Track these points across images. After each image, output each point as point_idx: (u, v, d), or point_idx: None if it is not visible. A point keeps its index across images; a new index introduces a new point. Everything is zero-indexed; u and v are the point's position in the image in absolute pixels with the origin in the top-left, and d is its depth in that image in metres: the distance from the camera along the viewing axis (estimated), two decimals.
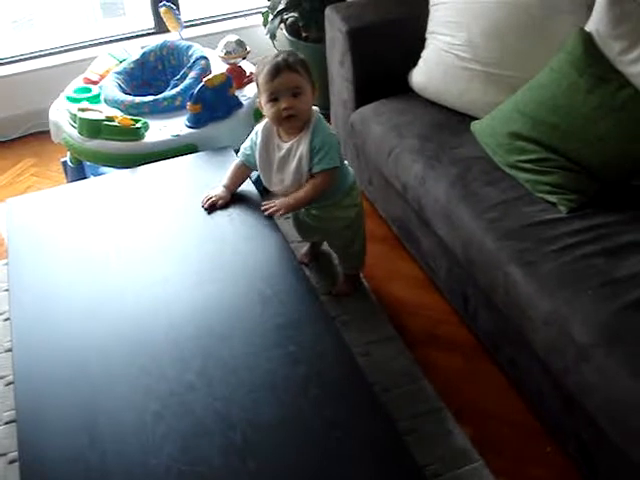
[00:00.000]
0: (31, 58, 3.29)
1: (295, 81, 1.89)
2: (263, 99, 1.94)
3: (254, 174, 2.18)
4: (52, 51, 3.30)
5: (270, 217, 1.98)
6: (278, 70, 1.87)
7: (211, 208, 2.03)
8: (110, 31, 3.42)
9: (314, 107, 1.98)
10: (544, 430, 1.93)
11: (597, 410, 1.60)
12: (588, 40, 1.99)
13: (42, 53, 3.31)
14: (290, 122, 1.94)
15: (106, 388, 1.54)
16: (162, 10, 2.75)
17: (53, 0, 3.64)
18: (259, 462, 1.38)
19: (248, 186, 2.13)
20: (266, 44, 3.14)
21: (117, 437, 1.44)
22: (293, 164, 1.97)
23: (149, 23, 3.46)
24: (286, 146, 1.98)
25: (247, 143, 2.09)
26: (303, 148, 1.94)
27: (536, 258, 1.80)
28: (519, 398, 2.02)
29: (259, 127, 2.05)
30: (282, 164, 2.01)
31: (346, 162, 2.14)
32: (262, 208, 1.99)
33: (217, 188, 2.07)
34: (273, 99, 1.90)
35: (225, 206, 2.04)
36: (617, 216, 1.89)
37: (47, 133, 2.88)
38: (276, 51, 3.19)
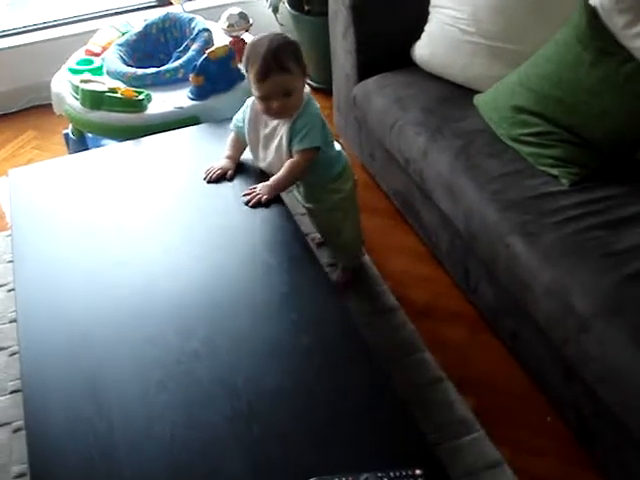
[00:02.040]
0: (31, 31, 3.28)
1: (285, 82, 1.83)
2: (253, 91, 1.89)
3: None
4: (53, 24, 3.29)
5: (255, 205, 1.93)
6: (268, 72, 1.80)
7: (217, 180, 2.01)
8: (109, 4, 3.39)
9: (306, 89, 1.94)
10: (545, 401, 1.95)
11: (596, 380, 1.62)
12: (592, 14, 1.98)
13: (42, 26, 3.30)
14: (280, 116, 1.91)
15: (110, 357, 1.55)
16: None
17: None
18: (264, 428, 1.39)
19: (249, 155, 2.11)
20: (268, 17, 3.13)
21: (122, 405, 1.45)
22: (275, 142, 1.95)
23: None
24: (272, 124, 1.95)
25: (239, 115, 2.06)
26: (285, 128, 1.91)
27: (537, 230, 1.81)
28: (520, 369, 2.03)
29: (250, 101, 2.02)
30: (267, 141, 1.98)
31: (338, 147, 2.10)
32: (243, 197, 1.94)
33: (220, 160, 2.06)
34: (264, 98, 1.86)
35: (232, 176, 2.03)
36: (619, 189, 1.90)
37: (48, 106, 2.88)
38: (279, 25, 3.20)
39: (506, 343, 2.08)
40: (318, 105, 1.99)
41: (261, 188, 1.94)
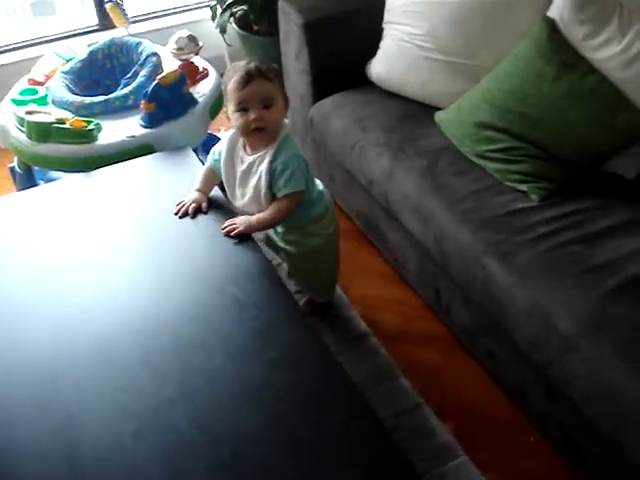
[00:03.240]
0: None
1: (267, 90, 1.77)
2: (231, 108, 1.80)
3: None
4: None
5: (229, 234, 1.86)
6: (250, 77, 1.75)
7: (192, 213, 1.92)
8: (42, 31, 3.27)
9: (285, 121, 1.87)
10: (527, 421, 1.92)
11: (584, 399, 1.59)
12: (552, 26, 1.98)
13: None
14: (259, 135, 1.81)
15: (80, 409, 1.45)
16: (108, 6, 2.64)
17: None
18: (248, 477, 1.31)
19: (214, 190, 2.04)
20: (216, 39, 3.06)
21: (97, 462, 1.35)
22: (253, 180, 1.85)
23: (84, 21, 3.33)
24: (249, 160, 1.86)
25: (217, 148, 1.97)
26: (264, 166, 1.82)
27: (512, 249, 1.78)
28: (499, 390, 2.00)
29: (226, 137, 1.93)
30: (244, 178, 1.89)
31: (321, 187, 2.01)
32: (222, 228, 1.87)
33: (191, 193, 1.96)
34: (242, 109, 1.78)
35: (207, 209, 1.95)
36: (590, 202, 1.89)
37: None
38: (226, 45, 3.13)
39: (483, 364, 2.04)
40: (297, 143, 1.92)
41: (241, 221, 1.87)
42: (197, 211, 1.94)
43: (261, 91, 1.76)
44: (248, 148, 1.88)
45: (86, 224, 1.94)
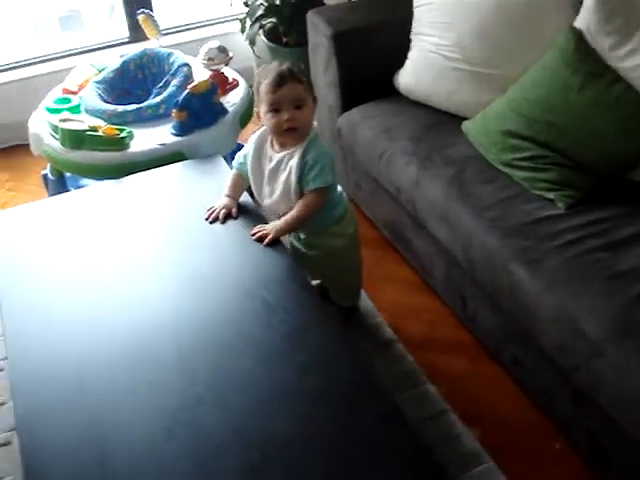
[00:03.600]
0: (4, 70, 3.21)
1: (299, 92, 1.84)
2: (263, 109, 1.86)
3: None
4: (27, 62, 3.23)
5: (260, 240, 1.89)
6: (283, 80, 1.81)
7: (222, 218, 1.96)
8: (74, 44, 3.35)
9: (314, 123, 1.93)
10: (553, 428, 1.92)
11: (611, 404, 1.60)
12: (579, 37, 2.00)
13: (16, 64, 3.23)
14: (291, 134, 1.87)
15: (112, 406, 1.49)
16: (141, 18, 2.70)
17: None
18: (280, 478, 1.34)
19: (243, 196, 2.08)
20: (245, 51, 3.11)
21: (127, 456, 1.39)
22: (283, 176, 1.90)
23: (114, 34, 3.41)
24: (278, 157, 1.91)
25: (242, 152, 2.03)
26: (294, 161, 1.87)
27: (539, 255, 1.80)
28: (525, 397, 2.00)
29: (253, 138, 1.99)
30: (272, 176, 1.93)
31: (340, 189, 2.05)
32: (252, 233, 1.90)
33: (221, 199, 2.00)
34: (274, 110, 1.84)
35: (237, 214, 1.98)
36: (615, 210, 1.90)
37: (20, 147, 2.84)
38: (256, 57, 3.18)
39: (508, 370, 2.05)
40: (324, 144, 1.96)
41: (271, 227, 1.90)
42: (227, 216, 1.97)
43: (293, 93, 1.83)
44: (276, 146, 1.93)
45: (117, 230, 1.99)
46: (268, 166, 1.94)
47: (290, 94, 1.82)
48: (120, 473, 1.36)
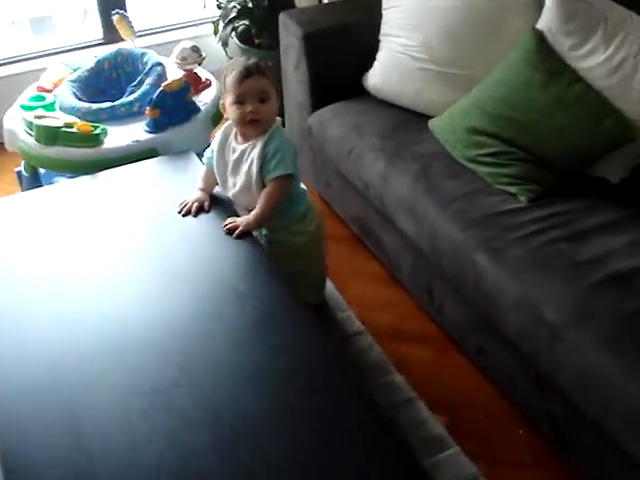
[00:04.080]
0: None
1: (263, 85, 1.89)
2: (228, 100, 1.92)
3: None
4: (1, 62, 3.25)
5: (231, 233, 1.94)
6: (248, 73, 1.87)
7: (195, 212, 2.00)
8: (58, 43, 3.38)
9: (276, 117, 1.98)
10: (517, 414, 1.99)
11: (571, 387, 1.67)
12: (540, 37, 2.08)
13: None
14: (253, 126, 1.92)
15: (87, 391, 1.51)
16: (115, 18, 2.73)
17: None
18: (249, 453, 1.37)
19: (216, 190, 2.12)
20: (218, 53, 3.15)
21: (103, 437, 1.41)
22: (245, 167, 1.95)
23: (87, 37, 3.45)
24: (240, 148, 1.96)
25: (210, 148, 2.08)
26: (256, 152, 1.92)
27: (502, 245, 1.87)
28: (490, 385, 2.07)
29: (218, 132, 2.04)
30: (235, 166, 1.98)
31: (303, 187, 2.10)
32: (224, 226, 1.95)
33: (194, 193, 2.05)
34: (239, 102, 1.89)
35: (209, 207, 2.03)
36: (575, 204, 1.98)
37: None
38: (228, 59, 3.23)
39: (473, 359, 2.11)
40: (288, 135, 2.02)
41: (241, 221, 1.94)
42: (199, 210, 2.02)
43: (258, 86, 1.88)
44: (240, 138, 1.98)
45: (91, 223, 2.01)
46: (231, 157, 1.99)
47: (255, 87, 1.88)
48: (96, 450, 1.38)
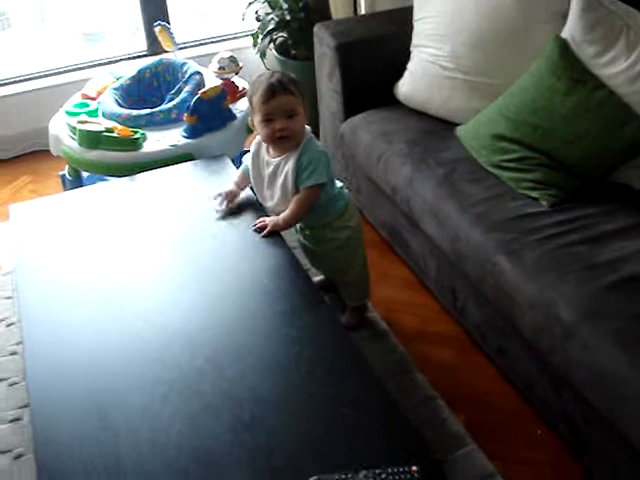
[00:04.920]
0: (29, 79, 3.39)
1: (290, 103, 1.93)
2: (257, 119, 1.97)
3: None
4: (47, 73, 3.41)
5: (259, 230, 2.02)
6: (273, 92, 1.91)
7: (227, 202, 2.11)
8: (103, 54, 3.54)
9: (306, 127, 2.03)
10: (535, 414, 2.02)
11: (584, 385, 1.69)
12: (564, 46, 2.12)
13: (40, 74, 3.42)
14: (283, 143, 1.97)
15: (116, 378, 1.60)
16: (157, 29, 2.86)
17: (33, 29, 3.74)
18: (266, 435, 1.44)
19: (248, 193, 2.21)
20: (257, 64, 3.26)
21: (127, 419, 1.50)
22: (280, 180, 2.01)
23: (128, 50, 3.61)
24: (274, 162, 2.02)
25: (248, 155, 2.15)
26: (289, 165, 1.98)
27: (521, 247, 1.91)
28: (509, 385, 2.10)
29: (253, 144, 2.10)
30: (271, 180, 2.05)
31: (340, 184, 2.17)
32: (253, 225, 2.04)
33: (227, 185, 2.15)
34: (267, 119, 1.94)
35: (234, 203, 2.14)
36: (596, 209, 2.01)
37: (43, 152, 3.00)
38: (266, 70, 3.32)
39: (494, 360, 2.15)
40: (320, 143, 2.08)
41: (270, 220, 2.03)
42: (229, 201, 2.12)
43: (284, 104, 1.93)
44: (272, 152, 2.04)
45: (128, 223, 2.12)
46: (266, 171, 2.05)
47: (282, 105, 1.92)
48: (120, 431, 1.47)
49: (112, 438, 1.46)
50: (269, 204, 2.10)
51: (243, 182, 2.17)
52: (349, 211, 2.16)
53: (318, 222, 2.12)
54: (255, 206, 2.16)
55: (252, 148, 2.10)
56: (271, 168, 2.04)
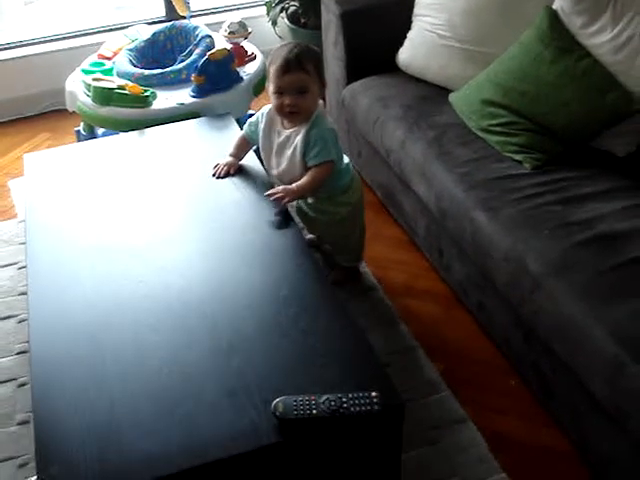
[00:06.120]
0: (48, 41, 3.55)
1: (302, 80, 1.98)
2: (271, 89, 2.04)
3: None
4: (68, 35, 3.56)
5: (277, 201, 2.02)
6: (288, 67, 1.96)
7: (225, 175, 2.17)
8: (122, 19, 3.69)
9: (320, 101, 2.09)
10: (510, 367, 2.11)
11: (549, 335, 1.80)
12: (553, 16, 2.21)
13: (59, 37, 3.57)
14: (292, 117, 2.05)
15: (110, 312, 1.73)
16: None
17: None
18: (240, 360, 1.56)
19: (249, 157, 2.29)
20: (269, 33, 3.36)
21: (116, 345, 1.63)
22: (289, 151, 2.09)
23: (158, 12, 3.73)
24: (286, 133, 2.09)
25: (253, 119, 2.22)
26: (299, 139, 2.04)
27: (499, 205, 2.01)
28: (488, 340, 2.20)
29: (265, 109, 2.16)
30: (280, 149, 2.13)
31: (347, 160, 2.23)
32: (267, 194, 2.04)
33: (225, 157, 2.21)
34: (279, 92, 2.01)
35: (235, 171, 2.19)
36: (577, 173, 2.10)
37: (62, 111, 3.12)
38: (277, 37, 3.43)
39: (475, 316, 2.25)
40: (331, 120, 2.14)
41: (284, 190, 2.04)
42: (227, 173, 2.18)
43: (297, 81, 1.99)
44: (285, 122, 2.11)
45: (136, 175, 2.24)
46: (277, 140, 2.13)
47: (294, 81, 1.98)
48: (108, 355, 1.60)
49: (100, 360, 1.59)
50: (274, 171, 2.18)
51: (242, 151, 2.24)
52: (353, 187, 2.24)
53: (322, 194, 2.19)
54: (256, 167, 2.25)
55: (266, 115, 2.15)
56: (282, 138, 2.11)
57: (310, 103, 2.04)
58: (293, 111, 2.03)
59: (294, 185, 2.07)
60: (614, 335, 1.60)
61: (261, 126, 2.17)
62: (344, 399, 1.43)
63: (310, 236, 2.52)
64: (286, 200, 2.03)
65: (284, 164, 2.13)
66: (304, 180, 2.07)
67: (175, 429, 1.42)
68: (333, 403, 1.41)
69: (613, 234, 1.86)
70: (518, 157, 2.16)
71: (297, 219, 2.27)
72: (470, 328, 2.26)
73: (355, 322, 1.70)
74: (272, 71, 2.02)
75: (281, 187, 2.07)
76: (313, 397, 1.43)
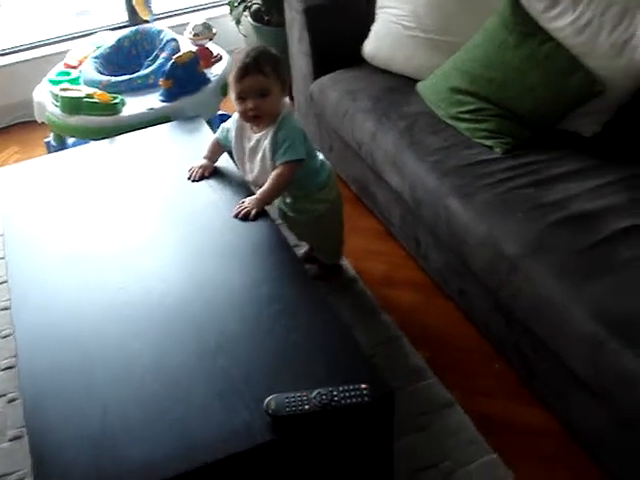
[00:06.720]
0: (12, 52, 3.52)
1: (261, 83, 1.97)
2: (232, 96, 2.03)
3: None
4: (32, 45, 3.54)
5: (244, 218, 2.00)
6: (246, 72, 1.95)
7: (200, 178, 2.17)
8: (86, 25, 3.66)
9: (286, 101, 2.09)
10: (494, 351, 2.15)
11: (528, 316, 1.83)
12: (515, 2, 2.24)
13: (23, 47, 3.54)
14: (256, 121, 2.04)
15: (96, 318, 1.73)
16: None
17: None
18: (228, 360, 1.57)
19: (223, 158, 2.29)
20: (234, 32, 3.37)
21: (103, 352, 1.63)
22: (259, 155, 2.09)
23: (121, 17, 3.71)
24: (255, 137, 2.09)
25: (226, 124, 2.21)
26: (267, 141, 2.03)
27: (472, 191, 2.04)
28: (471, 326, 2.23)
29: (236, 115, 2.11)
30: (252, 154, 2.13)
31: (322, 157, 2.22)
32: (234, 213, 2.01)
33: (199, 160, 2.21)
34: (240, 97, 2.00)
35: (210, 174, 2.20)
36: (546, 155, 2.13)
37: (30, 124, 3.11)
38: (242, 36, 3.44)
39: (457, 302, 2.28)
40: (298, 118, 2.15)
41: (249, 202, 2.02)
42: (202, 176, 2.19)
43: (256, 84, 1.97)
44: (254, 127, 2.10)
45: (110, 183, 2.23)
46: (248, 145, 2.13)
47: (253, 85, 1.97)
48: (97, 361, 1.61)
49: (89, 368, 1.59)
50: (249, 177, 2.18)
51: (216, 154, 2.24)
52: (330, 184, 2.24)
53: (299, 192, 2.19)
54: (231, 168, 2.25)
55: (234, 122, 2.15)
56: (252, 142, 2.11)
57: (272, 105, 2.03)
58: (256, 114, 2.02)
59: (258, 193, 2.06)
60: (592, 313, 1.64)
61: (232, 133, 2.17)
62: (335, 393, 1.44)
63: (303, 251, 2.53)
64: (253, 213, 2.00)
65: (257, 169, 2.13)
66: (267, 185, 2.06)
67: (168, 434, 1.43)
68: (324, 397, 1.43)
69: (586, 213, 1.89)
70: (488, 142, 2.19)
71: (279, 220, 2.31)
72: (452, 314, 2.29)
73: (338, 315, 1.72)
74: (231, 79, 2.01)
75: (247, 199, 2.05)
76: (305, 393, 1.45)
